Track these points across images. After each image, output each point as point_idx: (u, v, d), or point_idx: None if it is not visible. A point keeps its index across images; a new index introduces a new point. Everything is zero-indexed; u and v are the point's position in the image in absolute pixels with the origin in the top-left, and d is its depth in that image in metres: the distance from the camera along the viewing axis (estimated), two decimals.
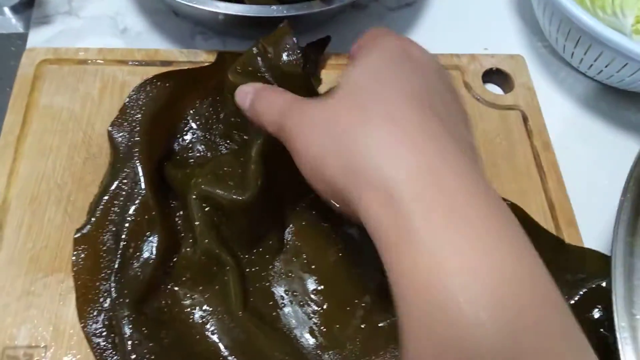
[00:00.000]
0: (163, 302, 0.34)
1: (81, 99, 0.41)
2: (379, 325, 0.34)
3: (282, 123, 0.27)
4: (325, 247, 0.37)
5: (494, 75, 0.47)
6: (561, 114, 0.47)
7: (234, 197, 0.34)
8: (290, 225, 0.38)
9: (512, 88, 0.46)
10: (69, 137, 0.40)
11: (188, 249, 0.35)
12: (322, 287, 0.35)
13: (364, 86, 0.25)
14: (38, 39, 0.47)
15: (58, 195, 0.37)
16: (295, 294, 0.35)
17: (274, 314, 0.35)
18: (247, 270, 0.36)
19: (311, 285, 0.36)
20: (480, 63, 0.46)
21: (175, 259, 0.35)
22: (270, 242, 0.37)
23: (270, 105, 0.29)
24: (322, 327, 0.34)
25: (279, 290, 0.35)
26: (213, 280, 0.35)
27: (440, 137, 0.23)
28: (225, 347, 0.33)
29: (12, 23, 0.50)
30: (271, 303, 0.35)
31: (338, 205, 0.26)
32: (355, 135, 0.24)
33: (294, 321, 0.34)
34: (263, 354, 0.32)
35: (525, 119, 0.44)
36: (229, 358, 0.32)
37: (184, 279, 0.35)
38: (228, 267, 0.34)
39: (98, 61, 0.43)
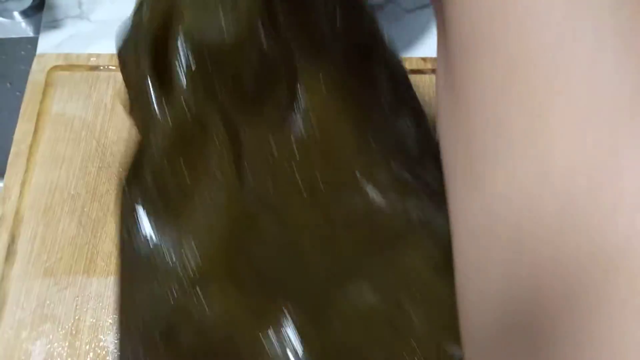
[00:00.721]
0: None
1: (94, 107, 0.40)
2: None
3: None
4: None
5: None
6: None
7: (221, 36, 0.26)
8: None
9: None
10: (82, 146, 0.39)
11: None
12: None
13: None
14: (48, 43, 0.46)
15: (72, 206, 0.37)
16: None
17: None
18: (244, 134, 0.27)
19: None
20: None
21: None
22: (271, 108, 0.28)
23: None
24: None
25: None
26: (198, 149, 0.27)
27: None
28: None
29: (22, 27, 0.50)
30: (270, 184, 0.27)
31: None
32: None
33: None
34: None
35: None
36: None
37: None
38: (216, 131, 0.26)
39: (110, 67, 0.43)
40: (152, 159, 0.26)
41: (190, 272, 0.25)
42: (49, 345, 0.32)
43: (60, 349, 0.32)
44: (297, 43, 0.28)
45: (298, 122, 0.28)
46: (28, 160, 0.38)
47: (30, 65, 0.52)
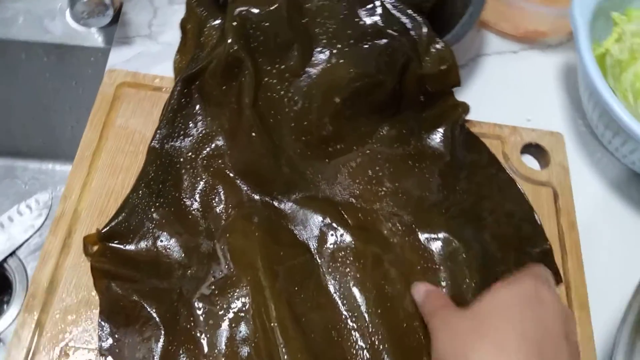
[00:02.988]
0: None
1: (153, 124, 0.45)
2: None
3: (430, 320, 0.36)
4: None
5: (532, 148, 0.49)
6: (591, 193, 0.49)
7: (264, 8, 0.43)
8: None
9: (547, 164, 0.48)
10: (139, 159, 0.44)
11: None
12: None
13: (491, 317, 0.32)
14: (118, 58, 0.51)
15: None
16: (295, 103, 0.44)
17: (279, 117, 0.44)
18: (265, 79, 0.44)
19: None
20: (520, 136, 0.49)
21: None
22: (292, 63, 0.44)
23: (430, 303, 0.37)
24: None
25: (284, 100, 0.44)
26: (233, 78, 0.44)
27: None
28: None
29: (95, 37, 0.55)
30: (273, 112, 0.44)
31: None
32: (469, 353, 0.30)
33: (292, 124, 0.44)
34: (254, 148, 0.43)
35: (556, 197, 0.47)
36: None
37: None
38: (247, 71, 0.43)
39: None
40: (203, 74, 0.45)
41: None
42: (90, 333, 0.37)
43: None
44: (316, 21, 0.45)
45: (304, 80, 0.44)
46: (90, 165, 0.43)
47: (96, 70, 0.57)
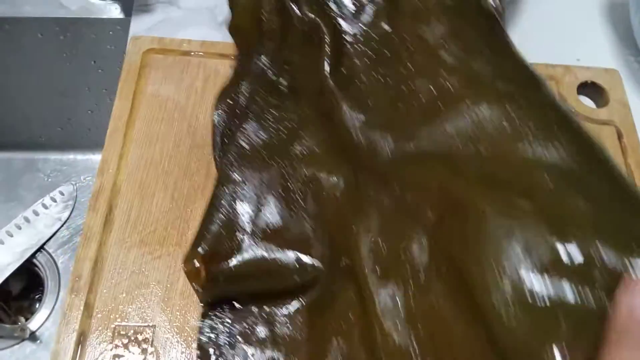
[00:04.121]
0: None
1: (186, 90, 0.43)
2: None
3: None
4: None
5: (588, 89, 0.46)
6: None
7: None
8: None
9: (606, 103, 0.45)
10: (175, 126, 0.41)
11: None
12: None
13: None
14: (140, 27, 0.48)
15: (165, 182, 0.39)
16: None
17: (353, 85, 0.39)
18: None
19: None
20: (575, 75, 0.46)
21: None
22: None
23: None
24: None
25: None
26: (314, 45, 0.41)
27: None
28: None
29: (111, 9, 0.52)
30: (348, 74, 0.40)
31: None
32: None
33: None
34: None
35: (620, 136, 0.44)
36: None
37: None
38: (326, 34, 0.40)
39: (200, 53, 0.45)
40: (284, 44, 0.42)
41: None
42: (143, 310, 0.35)
43: (152, 313, 0.35)
44: None
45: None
46: (125, 136, 0.41)
47: (115, 44, 0.55)
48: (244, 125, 0.38)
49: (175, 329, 0.34)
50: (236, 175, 0.35)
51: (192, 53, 0.45)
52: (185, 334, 0.34)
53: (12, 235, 0.64)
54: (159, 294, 0.35)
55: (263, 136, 0.37)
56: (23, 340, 0.59)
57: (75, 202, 0.67)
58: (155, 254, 0.36)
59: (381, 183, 0.35)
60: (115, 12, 0.52)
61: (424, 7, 0.41)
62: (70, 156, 0.70)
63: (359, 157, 0.36)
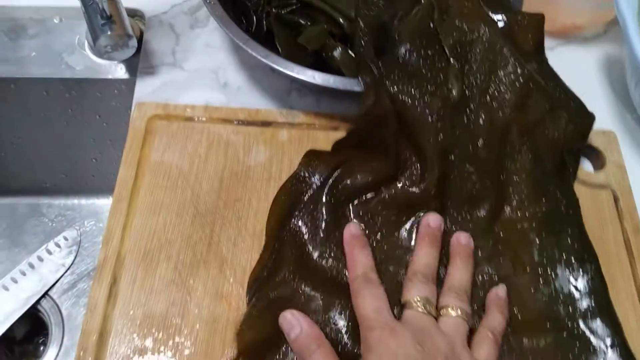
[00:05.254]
0: None
1: (189, 157, 0.44)
2: None
3: None
4: None
5: (585, 150, 0.47)
6: None
7: None
8: None
9: (603, 165, 0.46)
10: (178, 194, 0.42)
11: None
12: None
13: None
14: (144, 89, 0.49)
15: (168, 252, 0.40)
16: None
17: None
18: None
19: None
20: None
21: None
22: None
23: None
24: None
25: None
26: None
27: None
28: None
29: (117, 69, 0.53)
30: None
31: None
32: None
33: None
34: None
35: (616, 200, 0.44)
36: None
37: None
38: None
39: (202, 119, 0.46)
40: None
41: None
42: None
43: None
44: None
45: None
46: (129, 205, 0.41)
47: (120, 102, 0.56)
48: None
49: None
50: None
51: (196, 119, 0.46)
52: None
53: (16, 282, 0.64)
54: None
55: None
56: None
57: (79, 248, 0.68)
58: (159, 328, 0.37)
59: None
60: (120, 72, 0.53)
61: None
62: (75, 201, 0.71)
63: None
